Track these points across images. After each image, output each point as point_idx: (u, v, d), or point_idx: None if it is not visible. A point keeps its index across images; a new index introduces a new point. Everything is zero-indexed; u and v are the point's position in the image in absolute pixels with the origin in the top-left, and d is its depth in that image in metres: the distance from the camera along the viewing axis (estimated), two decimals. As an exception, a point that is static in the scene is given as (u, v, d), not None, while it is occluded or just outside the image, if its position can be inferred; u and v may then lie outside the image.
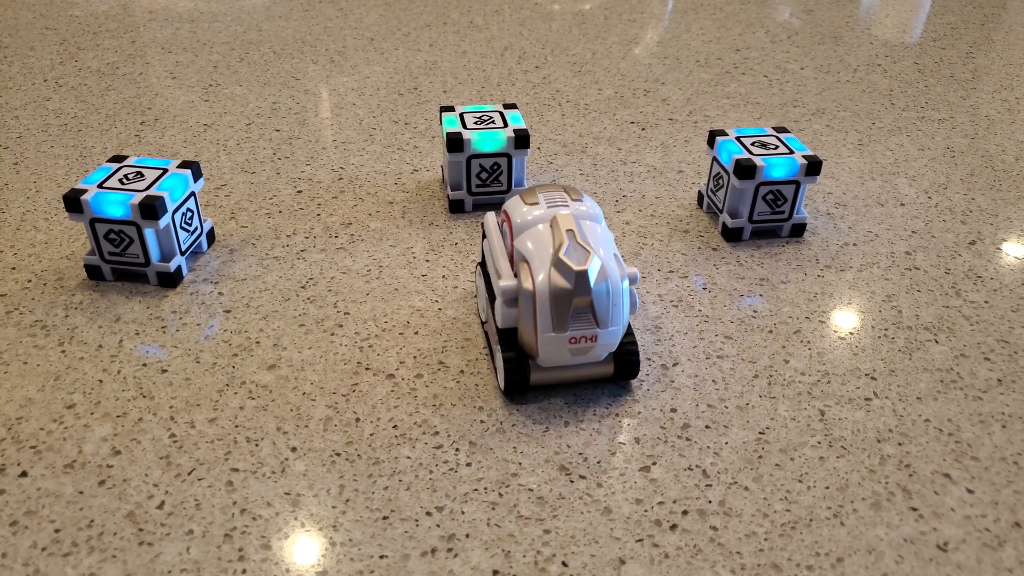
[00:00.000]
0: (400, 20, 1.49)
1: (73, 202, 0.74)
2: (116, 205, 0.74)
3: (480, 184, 0.91)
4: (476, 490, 0.58)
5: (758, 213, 0.86)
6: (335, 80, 1.24)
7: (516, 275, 0.63)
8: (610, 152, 1.05)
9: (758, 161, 0.82)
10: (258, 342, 0.72)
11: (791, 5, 1.64)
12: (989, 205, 0.96)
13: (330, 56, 1.32)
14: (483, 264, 0.72)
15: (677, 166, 1.02)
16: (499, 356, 0.65)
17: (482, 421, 0.64)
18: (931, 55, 1.40)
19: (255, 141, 1.06)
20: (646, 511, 0.57)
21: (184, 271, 0.80)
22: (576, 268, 0.60)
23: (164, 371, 0.68)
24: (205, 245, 0.84)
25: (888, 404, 0.67)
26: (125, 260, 0.77)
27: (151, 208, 0.74)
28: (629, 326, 0.67)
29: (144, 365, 0.69)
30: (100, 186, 0.76)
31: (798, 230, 0.88)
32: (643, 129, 1.11)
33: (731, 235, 0.87)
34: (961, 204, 0.96)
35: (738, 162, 0.83)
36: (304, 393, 0.67)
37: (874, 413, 0.66)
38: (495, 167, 0.91)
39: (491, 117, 0.92)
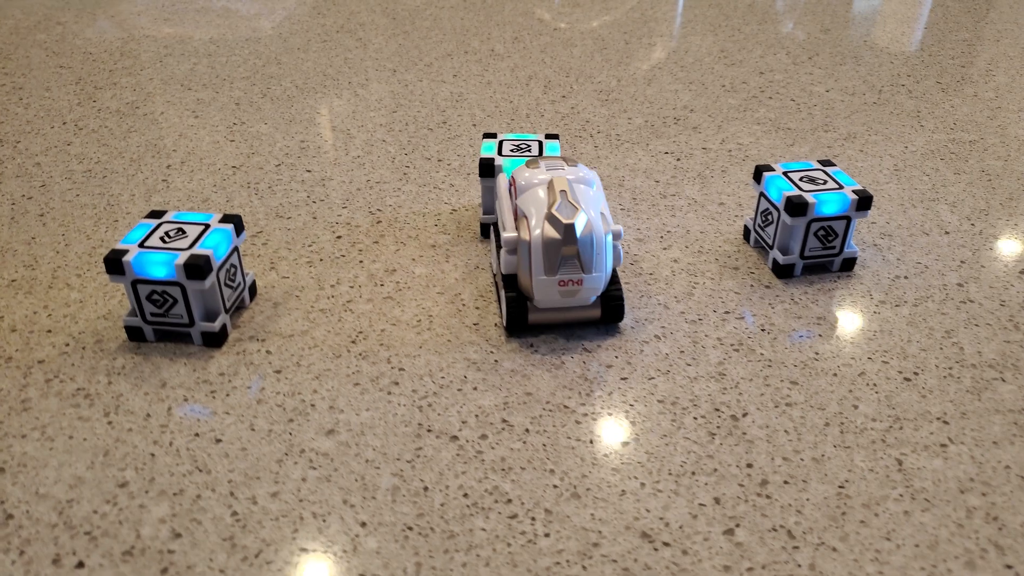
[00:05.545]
0: (420, 50, 1.47)
1: (115, 264, 0.72)
2: (160, 266, 0.72)
3: None
4: (558, 563, 0.56)
5: (809, 249, 0.84)
6: (362, 116, 1.22)
7: (517, 228, 0.74)
8: (648, 184, 1.03)
9: (809, 198, 0.81)
10: (313, 405, 0.70)
11: (803, 22, 1.64)
12: (1035, 230, 0.94)
13: (354, 90, 1.31)
14: (495, 225, 0.83)
15: (717, 198, 1.01)
16: (502, 298, 0.77)
17: (555, 486, 0.62)
18: (952, 73, 1.39)
19: (287, 183, 1.04)
20: (750, 571, 0.55)
21: (228, 329, 0.78)
22: (565, 221, 0.71)
23: (218, 441, 0.66)
24: (248, 300, 0.82)
25: (965, 450, 0.66)
26: (168, 321, 0.75)
27: (197, 268, 0.72)
28: (616, 275, 0.78)
29: (197, 435, 0.67)
30: (141, 245, 0.74)
31: (848, 264, 0.87)
32: (678, 160, 1.09)
33: (783, 272, 0.85)
34: (1005, 231, 0.95)
35: (789, 199, 0.81)
36: (367, 460, 0.65)
37: (952, 461, 0.65)
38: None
39: (528, 146, 0.91)
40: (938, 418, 0.69)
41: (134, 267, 0.72)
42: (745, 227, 0.92)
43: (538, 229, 0.72)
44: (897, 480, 0.63)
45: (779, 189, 0.83)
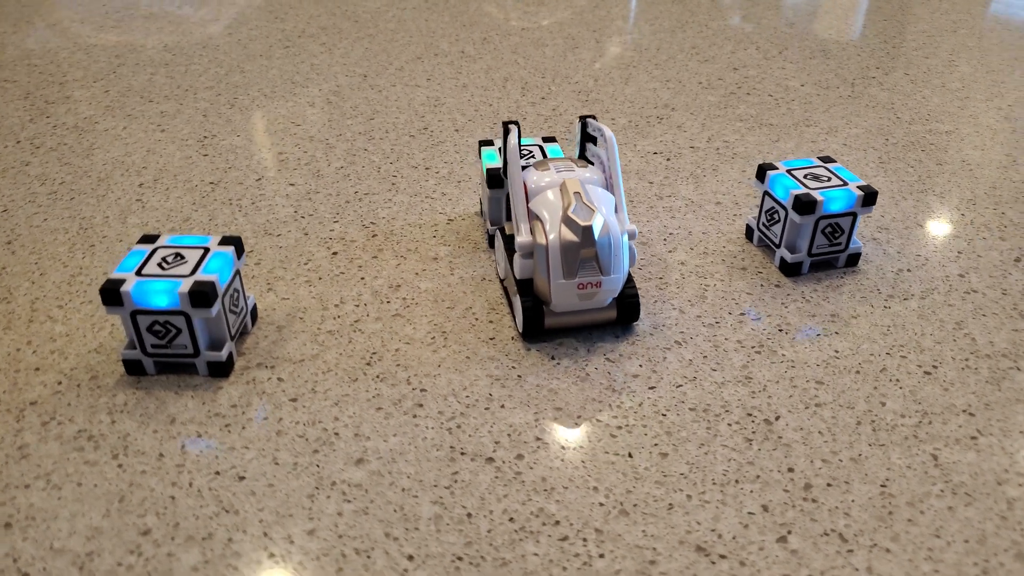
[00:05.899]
0: (389, 53, 1.43)
1: (112, 295, 0.68)
2: (161, 295, 0.68)
3: None
4: (620, 585, 0.55)
5: (816, 246, 0.84)
6: (339, 124, 1.18)
7: (531, 232, 0.73)
8: (642, 186, 1.02)
9: (817, 196, 0.81)
10: (337, 433, 0.67)
11: (767, 17, 1.65)
12: (1019, 218, 0.97)
13: (326, 97, 1.26)
14: (502, 229, 0.81)
15: (713, 197, 1.00)
16: (517, 302, 0.75)
17: (601, 503, 0.61)
18: (917, 65, 1.42)
19: (271, 199, 1.00)
20: (798, 589, 0.55)
21: (234, 357, 0.74)
22: (582, 223, 0.70)
23: (241, 478, 0.63)
24: (250, 324, 0.78)
25: (995, 441, 0.66)
26: (171, 352, 0.71)
27: (203, 296, 0.68)
28: (631, 276, 0.77)
29: (217, 473, 0.63)
30: (139, 273, 0.69)
31: (853, 260, 0.87)
32: (668, 160, 1.09)
33: (791, 270, 0.85)
34: (994, 219, 0.97)
35: (797, 198, 0.81)
36: (404, 489, 0.62)
37: (984, 453, 0.65)
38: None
39: (530, 151, 0.89)
40: (964, 411, 0.69)
41: (133, 297, 0.68)
42: (747, 226, 0.92)
43: (554, 232, 0.71)
44: (936, 476, 0.63)
45: (786, 188, 0.83)
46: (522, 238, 0.72)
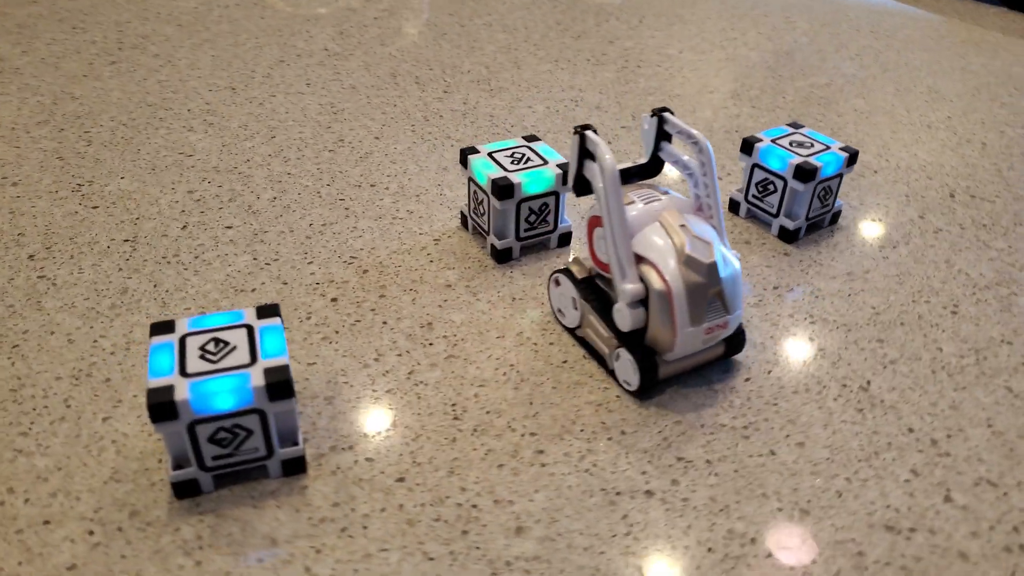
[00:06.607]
0: (244, 60, 1.26)
1: (166, 408, 0.53)
2: (227, 394, 0.55)
3: (528, 228, 0.83)
4: (855, 588, 0.54)
5: (812, 211, 0.88)
6: (238, 148, 1.02)
7: (641, 278, 0.64)
8: (607, 174, 1.00)
9: (815, 162, 0.84)
10: (475, 505, 0.58)
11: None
12: (930, 157, 1.08)
13: (202, 118, 1.08)
14: (567, 272, 0.72)
15: (670, 173, 1.01)
16: (624, 358, 0.67)
17: (779, 508, 0.59)
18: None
19: (213, 249, 0.84)
20: (991, 529, 0.57)
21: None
22: (706, 261, 0.62)
23: (399, 586, 0.53)
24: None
25: (1036, 363, 0.74)
26: (237, 460, 0.58)
27: (283, 385, 0.55)
28: None
29: (365, 587, 0.53)
30: (186, 374, 0.55)
31: (835, 218, 0.92)
32: (610, 142, 1.07)
33: (790, 237, 0.88)
34: (907, 159, 1.07)
35: (799, 167, 0.84)
36: (585, 548, 0.56)
37: (1034, 375, 0.73)
38: (543, 207, 0.83)
39: (523, 154, 0.84)
40: (1002, 340, 0.77)
41: (193, 405, 0.54)
42: (731, 199, 0.93)
43: (674, 275, 0.62)
44: (1020, 406, 0.69)
45: (781, 158, 0.85)
46: (633, 285, 0.63)
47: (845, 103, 1.22)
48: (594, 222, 0.68)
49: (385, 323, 0.75)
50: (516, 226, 0.82)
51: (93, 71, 1.21)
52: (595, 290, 0.70)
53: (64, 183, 0.94)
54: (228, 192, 0.93)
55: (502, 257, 0.83)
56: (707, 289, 0.63)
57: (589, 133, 0.64)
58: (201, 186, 0.94)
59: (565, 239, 0.87)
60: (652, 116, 0.68)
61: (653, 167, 0.71)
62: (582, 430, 0.65)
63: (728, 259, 0.65)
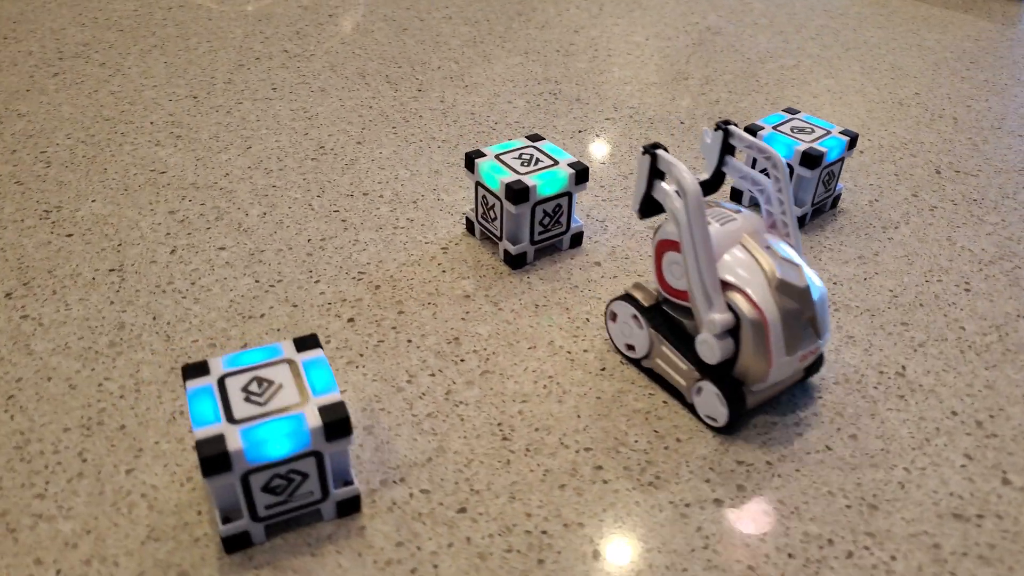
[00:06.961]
0: (201, 66, 1.19)
1: (219, 460, 0.49)
2: (282, 439, 0.51)
3: (542, 231, 0.81)
4: (940, 581, 0.54)
5: (817, 195, 0.88)
6: (214, 163, 0.96)
7: (729, 306, 0.60)
8: (597, 168, 0.98)
9: (821, 147, 0.84)
10: (544, 532, 0.56)
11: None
12: (908, 135, 1.10)
13: (168, 130, 1.01)
14: (626, 297, 0.67)
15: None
16: (708, 391, 0.62)
17: (848, 506, 0.59)
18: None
19: (208, 272, 0.78)
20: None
21: (350, 483, 0.58)
22: (800, 286, 0.59)
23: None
24: (337, 437, 0.61)
25: (1052, 336, 0.76)
26: (291, 506, 0.54)
27: (340, 424, 0.52)
28: None
29: (451, 632, 0.50)
30: (234, 420, 0.51)
31: (836, 201, 0.93)
32: (597, 136, 1.05)
33: (798, 224, 0.88)
34: (894, 141, 1.09)
35: (806, 153, 0.83)
36: (666, 567, 0.54)
37: (1053, 348, 0.74)
38: (556, 209, 0.80)
39: (532, 155, 0.81)
40: (1018, 316, 0.78)
41: (247, 454, 0.50)
42: (732, 188, 0.93)
43: (766, 301, 0.59)
44: (1046, 379, 0.71)
45: (787, 145, 0.85)
46: (722, 315, 0.59)
47: (817, 84, 1.23)
48: (664, 246, 0.63)
49: (410, 341, 0.72)
50: (531, 230, 0.79)
51: (35, 84, 1.12)
52: (666, 318, 0.66)
53: (29, 210, 0.87)
54: (212, 210, 0.88)
55: (517, 263, 0.81)
56: (801, 315, 0.60)
57: (661, 152, 0.60)
58: (182, 205, 0.88)
59: (577, 239, 0.84)
60: (716, 130, 0.64)
61: (715, 183, 0.66)
62: (636, 441, 0.63)
63: (816, 281, 0.62)
